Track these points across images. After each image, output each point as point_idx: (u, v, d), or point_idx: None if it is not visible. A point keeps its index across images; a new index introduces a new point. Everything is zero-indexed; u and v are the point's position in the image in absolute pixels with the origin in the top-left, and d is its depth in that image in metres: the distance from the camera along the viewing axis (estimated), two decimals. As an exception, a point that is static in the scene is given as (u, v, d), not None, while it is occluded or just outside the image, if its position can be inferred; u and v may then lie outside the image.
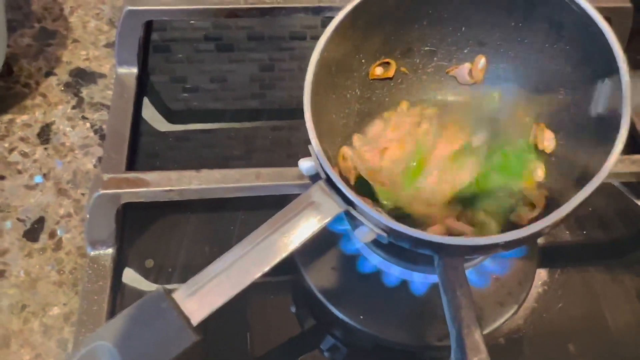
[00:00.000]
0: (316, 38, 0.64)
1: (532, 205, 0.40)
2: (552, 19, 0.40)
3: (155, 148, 0.57)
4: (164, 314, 0.34)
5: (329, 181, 0.36)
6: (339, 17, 0.40)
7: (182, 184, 0.43)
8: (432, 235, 0.34)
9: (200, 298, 0.34)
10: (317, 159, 0.36)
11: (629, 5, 0.57)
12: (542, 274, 0.50)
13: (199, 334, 0.34)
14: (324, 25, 0.66)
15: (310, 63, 0.39)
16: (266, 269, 0.36)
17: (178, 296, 0.35)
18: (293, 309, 0.49)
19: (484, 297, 0.47)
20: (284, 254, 0.36)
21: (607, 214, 0.54)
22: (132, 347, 0.33)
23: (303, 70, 0.63)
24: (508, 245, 0.35)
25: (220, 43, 0.66)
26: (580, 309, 0.49)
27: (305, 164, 0.38)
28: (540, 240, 0.51)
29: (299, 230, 0.36)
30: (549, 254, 0.51)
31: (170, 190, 0.43)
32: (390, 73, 0.46)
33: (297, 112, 0.61)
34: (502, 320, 0.46)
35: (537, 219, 0.35)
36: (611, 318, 0.49)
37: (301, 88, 0.62)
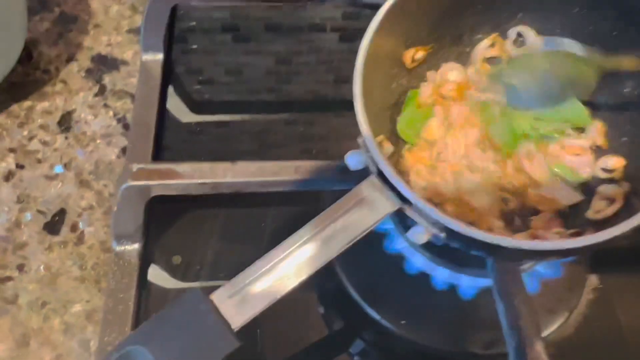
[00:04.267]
0: (336, 30, 0.63)
1: (611, 200, 0.37)
2: (621, 4, 0.37)
3: (172, 139, 0.55)
4: (202, 316, 0.31)
5: (382, 176, 0.34)
6: (388, 3, 0.37)
7: (216, 177, 0.40)
8: (499, 236, 0.31)
9: (241, 301, 0.32)
10: (370, 151, 0.33)
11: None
12: (592, 280, 0.47)
13: (240, 339, 0.32)
14: (345, 17, 0.64)
15: (360, 50, 0.36)
16: (312, 271, 0.33)
17: (217, 298, 0.32)
18: (324, 309, 0.46)
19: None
20: (331, 256, 0.33)
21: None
22: (168, 352, 0.30)
23: (321, 64, 0.61)
24: (575, 251, 0.32)
25: (238, 34, 0.64)
26: (634, 316, 0.46)
27: (353, 158, 0.36)
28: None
29: (349, 229, 0.33)
30: (599, 258, 0.48)
31: (204, 183, 0.40)
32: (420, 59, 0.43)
33: (313, 106, 0.59)
34: (552, 328, 0.44)
35: (616, 215, 0.32)
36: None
37: (317, 82, 0.60)
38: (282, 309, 0.44)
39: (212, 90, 0.59)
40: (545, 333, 0.43)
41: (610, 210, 0.36)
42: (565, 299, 0.45)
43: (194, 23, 0.63)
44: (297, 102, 0.59)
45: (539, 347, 0.34)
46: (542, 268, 0.43)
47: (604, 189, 0.38)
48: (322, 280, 0.46)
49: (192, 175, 0.40)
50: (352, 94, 0.35)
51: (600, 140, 0.40)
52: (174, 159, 0.52)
